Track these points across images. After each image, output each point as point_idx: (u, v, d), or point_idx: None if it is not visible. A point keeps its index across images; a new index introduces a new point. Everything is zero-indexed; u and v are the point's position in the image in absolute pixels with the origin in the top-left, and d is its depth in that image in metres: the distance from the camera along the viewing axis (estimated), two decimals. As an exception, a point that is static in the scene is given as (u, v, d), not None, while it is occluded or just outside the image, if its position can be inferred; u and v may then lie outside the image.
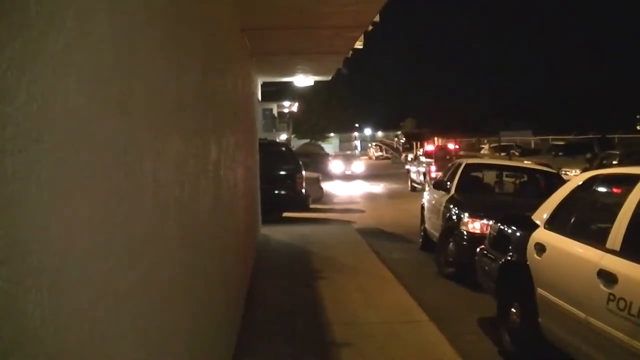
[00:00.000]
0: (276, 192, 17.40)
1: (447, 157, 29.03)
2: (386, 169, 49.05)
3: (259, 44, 11.27)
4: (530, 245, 6.44)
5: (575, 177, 7.22)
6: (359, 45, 12.24)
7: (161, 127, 2.86)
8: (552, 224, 6.44)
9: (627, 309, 4.54)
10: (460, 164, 13.23)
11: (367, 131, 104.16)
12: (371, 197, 27.90)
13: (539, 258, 6.24)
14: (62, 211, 1.63)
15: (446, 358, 6.52)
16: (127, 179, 2.22)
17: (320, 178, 23.73)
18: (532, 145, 46.38)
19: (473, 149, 48.21)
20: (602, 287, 4.90)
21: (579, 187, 6.56)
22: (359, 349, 6.77)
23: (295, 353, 6.68)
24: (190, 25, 3.88)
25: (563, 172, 20.02)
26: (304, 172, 18.42)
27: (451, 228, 11.03)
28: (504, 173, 14.27)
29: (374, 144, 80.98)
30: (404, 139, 61.56)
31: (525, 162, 20.19)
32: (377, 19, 9.86)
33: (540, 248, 6.25)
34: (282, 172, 17.89)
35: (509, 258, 7.00)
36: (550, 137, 47.70)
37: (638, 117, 58.75)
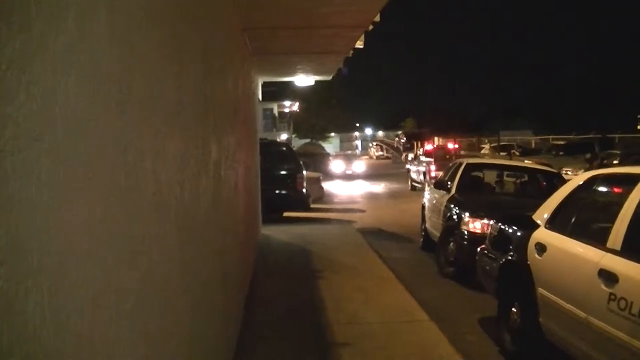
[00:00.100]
0: (277, 192, 17.39)
1: (447, 156, 29.05)
2: (387, 169, 49.05)
3: (260, 43, 11.27)
4: (531, 245, 6.44)
5: (575, 177, 7.22)
6: (359, 44, 12.23)
7: (161, 127, 2.86)
8: (553, 223, 6.44)
9: (628, 309, 4.54)
10: (461, 164, 13.23)
11: (368, 131, 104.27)
12: (372, 197, 27.90)
13: (539, 258, 6.24)
14: (62, 211, 1.63)
15: (447, 358, 6.52)
16: (127, 178, 2.22)
17: (321, 178, 23.73)
18: (533, 145, 46.37)
19: (473, 149, 48.19)
20: (602, 286, 4.90)
21: (579, 186, 6.56)
22: (359, 348, 6.77)
23: (296, 353, 6.69)
24: (190, 25, 3.88)
25: (564, 172, 20.00)
26: (304, 172, 18.41)
27: (452, 228, 11.03)
28: (505, 173, 14.28)
29: (374, 143, 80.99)
30: (405, 138, 61.60)
31: (526, 161, 20.17)
32: (377, 18, 9.85)
33: (541, 248, 6.25)
34: (283, 172, 17.89)
35: (510, 258, 7.00)
36: (550, 136, 47.71)
37: (638, 117, 58.69)
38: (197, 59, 4.14)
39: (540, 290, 6.10)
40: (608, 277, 4.86)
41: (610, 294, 4.78)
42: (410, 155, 36.63)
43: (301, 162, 18.81)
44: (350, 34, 10.93)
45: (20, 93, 1.39)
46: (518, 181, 14.00)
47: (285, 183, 17.79)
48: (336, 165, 42.34)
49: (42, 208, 1.50)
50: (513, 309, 6.76)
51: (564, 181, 10.21)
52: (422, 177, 28.38)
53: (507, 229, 7.52)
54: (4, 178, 1.31)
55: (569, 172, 22.16)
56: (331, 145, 69.80)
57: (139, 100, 2.42)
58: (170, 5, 3.20)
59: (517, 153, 36.28)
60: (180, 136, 3.35)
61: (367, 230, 16.33)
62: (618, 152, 26.20)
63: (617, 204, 5.35)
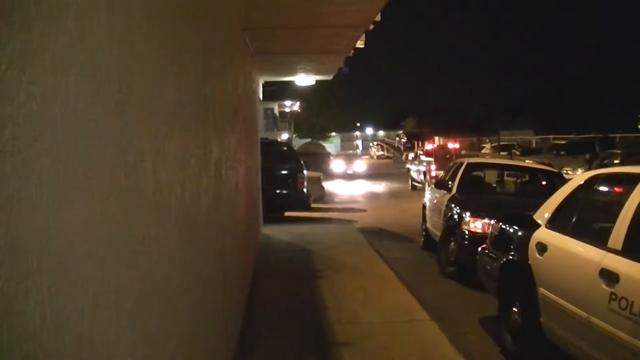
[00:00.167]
0: (278, 191, 17.39)
1: (447, 156, 29.12)
2: (387, 169, 49.03)
3: (260, 43, 11.26)
4: (532, 245, 6.44)
5: (576, 177, 7.22)
6: (360, 44, 12.22)
7: (161, 127, 2.86)
8: (554, 223, 6.44)
9: (629, 308, 4.53)
10: (461, 164, 13.23)
11: (369, 130, 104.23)
12: (372, 197, 27.89)
13: (540, 257, 6.24)
14: (62, 211, 1.63)
15: (447, 357, 6.52)
16: (127, 178, 2.22)
17: (321, 177, 23.74)
18: (534, 145, 46.35)
19: (473, 149, 48.20)
20: (603, 286, 4.90)
21: (580, 186, 6.56)
22: (360, 348, 6.76)
23: (296, 352, 6.68)
24: (190, 25, 3.88)
25: (564, 172, 20.00)
26: (305, 172, 18.40)
27: (453, 227, 11.03)
28: (506, 172, 14.28)
29: (375, 143, 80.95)
30: (406, 138, 61.61)
31: (527, 161, 20.16)
32: (378, 18, 9.85)
33: (542, 247, 6.25)
34: (284, 172, 17.88)
35: (511, 257, 7.00)
36: (551, 136, 47.69)
37: (639, 116, 58.63)
38: (197, 58, 4.14)
39: (541, 290, 6.10)
40: (609, 276, 4.86)
41: (611, 293, 4.77)
42: (411, 155, 36.64)
43: (302, 162, 18.80)
44: (351, 34, 10.93)
45: (20, 93, 1.39)
46: (519, 181, 13.99)
47: (286, 183, 17.78)
48: (337, 165, 42.37)
49: (42, 208, 1.50)
50: (514, 309, 6.76)
51: (564, 181, 10.21)
52: (422, 176, 28.42)
53: (508, 228, 7.51)
54: (4, 178, 1.31)
55: (569, 172, 22.16)
56: (332, 144, 69.85)
57: (139, 100, 2.42)
58: (170, 5, 3.20)
59: (518, 153, 36.28)
60: (181, 136, 3.35)
61: (368, 229, 16.33)
62: (619, 151, 26.19)
63: (618, 203, 5.35)
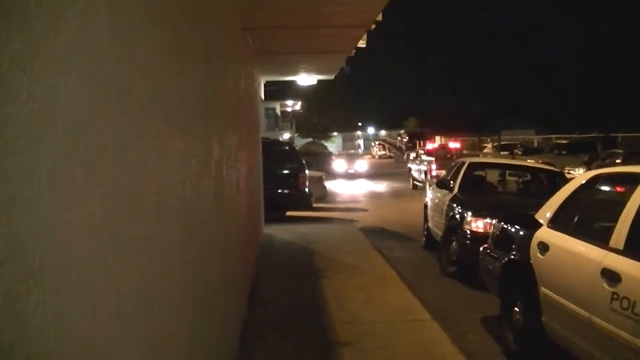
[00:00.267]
0: (279, 191, 17.39)
1: (448, 155, 29.14)
2: (389, 168, 49.02)
3: (262, 43, 11.26)
4: (534, 244, 6.43)
5: (578, 176, 7.22)
6: (362, 44, 12.23)
7: (162, 127, 2.86)
8: (556, 223, 6.43)
9: (631, 308, 4.53)
10: (463, 163, 13.23)
11: (371, 130, 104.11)
12: (374, 196, 27.89)
13: (542, 257, 6.23)
14: (63, 211, 1.63)
15: (449, 357, 6.51)
16: (128, 178, 2.22)
17: (323, 177, 23.72)
18: (535, 144, 46.32)
19: (474, 148, 48.17)
20: (605, 286, 4.89)
21: (582, 186, 6.55)
22: (361, 347, 6.76)
23: (298, 352, 6.68)
24: (191, 25, 3.88)
25: (566, 171, 19.98)
26: (307, 171, 18.40)
27: (454, 227, 11.03)
28: (507, 172, 14.27)
29: (377, 142, 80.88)
30: (407, 137, 61.56)
31: (529, 161, 20.16)
32: (380, 17, 9.85)
33: (544, 247, 6.24)
34: (285, 171, 17.87)
35: (512, 257, 6.99)
36: (553, 135, 47.66)
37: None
38: (197, 58, 4.14)
39: (543, 289, 6.09)
40: (611, 276, 4.86)
41: (613, 293, 4.77)
42: (412, 155, 36.67)
43: (304, 162, 18.80)
44: (352, 34, 10.93)
45: (22, 93, 1.39)
46: (520, 180, 13.99)
47: (287, 182, 17.78)
48: (339, 165, 42.39)
49: (43, 208, 1.50)
50: (516, 309, 6.75)
51: (566, 180, 10.20)
52: (423, 176, 28.44)
53: (509, 228, 7.51)
54: (5, 178, 1.31)
55: (571, 172, 22.14)
56: (334, 144, 69.84)
57: (139, 100, 2.42)
58: (171, 5, 3.20)
59: (520, 152, 36.28)
60: (181, 136, 3.35)
61: (370, 229, 16.33)
62: (621, 151, 26.16)
63: (619, 203, 5.34)
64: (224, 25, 6.14)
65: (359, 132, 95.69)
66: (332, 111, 66.79)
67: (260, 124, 16.70)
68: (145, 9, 2.57)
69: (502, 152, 36.33)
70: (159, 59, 2.80)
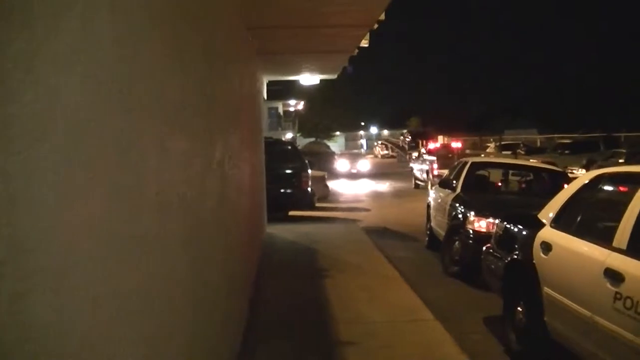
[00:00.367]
0: (282, 190, 17.38)
1: (449, 155, 29.15)
2: (392, 168, 48.98)
3: (265, 42, 11.26)
4: (537, 244, 6.42)
5: (581, 176, 7.21)
6: (364, 43, 12.22)
7: (165, 126, 2.86)
8: (558, 222, 6.42)
9: (634, 308, 4.52)
10: (466, 163, 13.23)
11: (373, 130, 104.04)
12: (377, 196, 27.87)
13: (545, 257, 6.22)
14: (65, 210, 1.63)
15: (451, 357, 6.51)
16: (129, 178, 2.22)
17: (326, 177, 23.71)
18: (538, 144, 46.27)
19: (476, 148, 48.12)
20: (608, 285, 4.88)
21: (585, 185, 6.54)
22: (363, 347, 6.76)
23: (300, 351, 6.68)
24: (193, 24, 3.87)
25: (569, 171, 19.95)
26: (309, 171, 18.39)
27: (457, 227, 11.02)
28: (510, 172, 14.26)
29: (379, 142, 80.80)
30: (410, 137, 61.50)
31: (531, 160, 20.15)
32: (382, 17, 9.84)
33: (546, 247, 6.23)
34: (288, 171, 17.87)
35: (515, 257, 6.99)
36: (555, 135, 47.60)
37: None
38: (200, 58, 4.14)
39: (546, 289, 6.08)
40: (614, 276, 4.85)
41: (616, 293, 4.76)
42: (415, 154, 36.68)
43: (306, 161, 18.80)
44: (355, 33, 10.92)
45: (25, 93, 1.39)
46: (523, 180, 13.98)
47: (290, 182, 17.77)
48: (341, 164, 42.36)
49: (44, 208, 1.50)
50: (518, 308, 6.74)
51: (569, 180, 10.19)
52: (425, 175, 28.45)
53: (512, 228, 7.50)
54: (6, 178, 1.31)
55: (574, 171, 22.11)
56: (336, 144, 69.78)
57: (141, 100, 2.42)
58: (172, 5, 3.19)
59: (522, 152, 36.26)
60: (183, 136, 3.35)
61: (372, 229, 16.32)
62: (624, 150, 26.13)
63: (622, 203, 5.33)
64: (226, 25, 6.14)
65: (361, 132, 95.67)
66: (334, 111, 66.76)
67: (263, 124, 16.70)
68: (145, 8, 2.56)
69: (504, 152, 36.30)
70: (159, 59, 2.80)
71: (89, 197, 1.81)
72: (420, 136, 55.20)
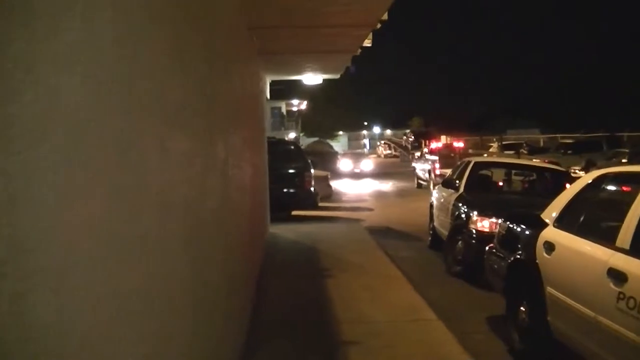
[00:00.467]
0: (285, 190, 17.39)
1: (452, 154, 29.19)
2: (395, 167, 48.98)
3: (267, 42, 11.25)
4: (540, 244, 6.42)
5: (584, 176, 7.20)
6: (367, 43, 12.21)
7: (165, 126, 2.85)
8: (562, 222, 6.42)
9: (637, 308, 4.51)
10: (469, 162, 13.23)
11: (376, 129, 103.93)
12: (380, 195, 27.88)
13: (548, 256, 6.22)
14: (66, 210, 1.63)
15: (454, 356, 6.51)
16: (131, 178, 2.22)
17: (329, 176, 23.72)
18: (541, 144, 46.22)
19: (477, 147, 48.07)
20: (611, 285, 4.87)
21: (588, 185, 6.53)
22: (366, 347, 6.76)
23: (302, 351, 6.68)
24: (195, 24, 3.87)
25: (572, 171, 19.93)
26: (312, 171, 18.41)
27: (460, 226, 11.02)
28: (513, 171, 14.26)
29: (382, 142, 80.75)
30: (413, 137, 61.48)
31: (534, 160, 20.14)
32: (385, 17, 9.83)
33: (550, 246, 6.22)
34: (291, 171, 17.88)
35: (518, 256, 6.98)
36: (558, 135, 47.55)
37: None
38: (200, 58, 4.14)
39: (549, 289, 6.08)
40: (617, 276, 4.84)
41: (619, 293, 4.75)
42: (417, 154, 36.71)
43: (309, 161, 18.80)
44: (357, 33, 10.91)
45: (25, 93, 1.39)
46: (526, 180, 13.97)
47: (293, 182, 17.78)
48: (344, 164, 42.37)
49: (45, 207, 1.50)
50: (521, 308, 6.74)
51: (572, 180, 10.18)
52: (427, 175, 28.48)
53: (515, 227, 7.49)
54: (9, 177, 1.31)
55: (577, 171, 22.09)
56: (339, 143, 69.84)
57: (142, 99, 2.41)
58: (173, 4, 3.19)
59: (525, 152, 36.23)
60: (185, 135, 3.35)
61: (375, 228, 16.32)
62: (626, 150, 26.10)
63: (625, 202, 5.32)
64: (227, 25, 6.14)
65: (364, 132, 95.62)
66: (337, 110, 66.82)
67: (266, 123, 16.70)
68: (146, 8, 2.56)
69: (506, 152, 36.27)
70: (160, 59, 2.80)
71: (89, 197, 1.81)
72: (423, 136, 55.14)
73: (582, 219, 6.23)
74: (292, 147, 19.72)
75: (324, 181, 21.89)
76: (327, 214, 19.76)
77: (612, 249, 5.11)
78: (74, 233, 1.68)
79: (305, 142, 52.63)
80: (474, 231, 10.40)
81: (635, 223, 4.95)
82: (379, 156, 71.08)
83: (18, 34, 1.37)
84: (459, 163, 14.69)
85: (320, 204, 19.66)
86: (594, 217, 6.29)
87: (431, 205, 14.44)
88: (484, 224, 10.32)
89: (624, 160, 22.69)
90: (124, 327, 2.11)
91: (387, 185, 33.30)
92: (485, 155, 32.46)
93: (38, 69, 1.47)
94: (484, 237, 9.59)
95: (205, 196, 4.09)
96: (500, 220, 8.42)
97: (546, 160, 19.85)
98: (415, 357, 6.51)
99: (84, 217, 1.76)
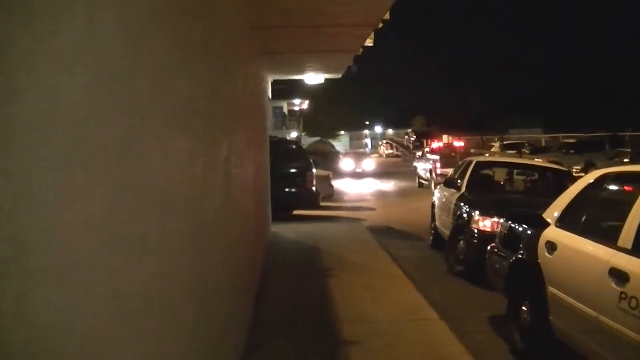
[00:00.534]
0: (287, 190, 17.38)
1: (453, 154, 29.23)
2: (397, 167, 48.95)
3: (269, 42, 11.26)
4: (542, 244, 6.41)
5: (586, 176, 7.19)
6: (369, 43, 12.22)
7: (169, 126, 2.86)
8: (563, 222, 6.41)
9: (639, 308, 4.51)
10: (471, 162, 13.22)
11: (378, 129, 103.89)
12: (382, 195, 27.88)
13: (550, 256, 6.21)
14: (68, 210, 1.63)
15: (456, 356, 6.50)
16: (132, 178, 2.22)
17: (331, 176, 23.72)
18: (543, 144, 46.20)
19: (479, 147, 48.07)
20: (613, 285, 4.87)
21: (590, 185, 6.53)
22: (367, 347, 6.75)
23: (304, 351, 6.68)
24: (196, 24, 3.87)
25: (574, 170, 19.91)
26: (314, 170, 18.40)
27: (462, 226, 11.01)
28: (515, 171, 14.25)
29: (384, 141, 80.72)
30: (415, 137, 61.47)
31: (536, 160, 20.13)
32: (387, 17, 9.83)
33: (552, 246, 6.22)
34: (293, 170, 17.87)
35: (520, 256, 6.97)
36: (560, 135, 47.53)
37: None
38: (202, 57, 4.14)
39: (551, 289, 6.07)
40: (619, 276, 4.84)
41: (621, 293, 4.75)
42: (419, 153, 36.74)
43: (311, 161, 18.80)
44: (360, 33, 10.92)
45: (26, 93, 1.39)
46: (528, 179, 13.96)
47: (295, 181, 17.77)
48: (346, 164, 42.37)
49: (46, 207, 1.50)
50: (523, 308, 6.73)
51: (574, 180, 10.17)
52: (429, 174, 28.50)
53: (517, 227, 7.49)
54: (11, 177, 1.31)
55: (577, 171, 22.07)
56: (341, 143, 69.84)
57: (143, 99, 2.41)
58: (175, 4, 3.19)
59: (527, 151, 36.22)
60: (187, 135, 3.35)
61: (377, 228, 16.31)
62: (629, 150, 26.08)
63: (628, 202, 5.32)
64: (230, 24, 6.14)
65: (366, 131, 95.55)
66: (339, 110, 66.77)
67: (268, 123, 16.70)
68: (148, 8, 2.56)
69: (508, 152, 36.27)
70: (162, 59, 2.80)
71: (90, 197, 1.81)
72: (425, 136, 55.18)
73: (584, 218, 6.22)
74: (294, 147, 19.73)
75: (325, 181, 21.89)
76: (329, 214, 19.76)
77: (614, 249, 5.10)
78: (74, 233, 1.68)
79: (307, 141, 52.64)
80: (476, 231, 10.40)
81: (637, 223, 4.95)
82: (380, 156, 71.07)
83: (19, 34, 1.37)
84: (460, 163, 14.67)
85: (322, 204, 19.65)
86: (596, 217, 6.28)
87: (433, 205, 14.42)
88: (486, 224, 10.31)
89: (626, 160, 22.65)
90: (124, 327, 2.11)
91: (389, 185, 33.30)
92: (487, 155, 32.46)
93: (39, 69, 1.47)
94: (486, 237, 9.58)
95: (207, 196, 4.09)
96: (502, 220, 8.42)
97: (548, 160, 19.81)
98: (417, 357, 6.50)
99: (85, 217, 1.76)
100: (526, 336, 6.65)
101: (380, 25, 10.44)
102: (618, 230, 5.18)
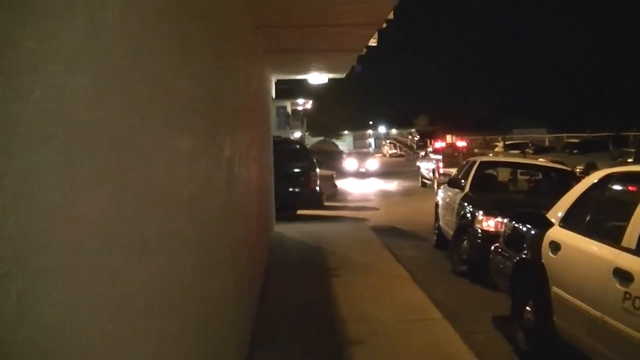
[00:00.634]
0: (290, 189, 17.38)
1: (455, 154, 29.26)
2: (400, 167, 48.96)
3: (273, 41, 11.26)
4: (545, 244, 6.40)
5: (590, 175, 7.18)
6: (373, 42, 12.21)
7: (173, 126, 2.86)
8: (567, 222, 6.40)
9: (643, 308, 4.51)
10: (474, 162, 13.22)
11: (382, 129, 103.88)
12: (385, 195, 27.88)
13: (553, 256, 6.21)
14: (73, 209, 1.63)
15: (460, 356, 6.50)
16: (135, 178, 2.21)
17: (334, 176, 23.72)
18: (547, 143, 46.14)
19: (482, 147, 48.04)
20: (617, 285, 4.86)
21: (593, 185, 6.52)
22: (371, 346, 6.76)
23: (307, 350, 6.68)
24: (200, 23, 3.87)
25: (578, 170, 19.88)
26: (318, 170, 18.40)
27: (465, 226, 11.01)
28: (519, 171, 14.23)
29: (388, 141, 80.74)
30: (418, 136, 61.50)
31: (540, 160, 20.10)
32: (391, 16, 9.83)
33: (555, 246, 6.21)
34: (296, 170, 17.88)
35: (524, 256, 6.97)
36: (564, 135, 47.47)
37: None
38: (206, 56, 4.14)
39: (555, 289, 6.07)
40: (623, 276, 4.83)
41: (625, 292, 4.74)
42: (422, 153, 36.78)
43: (314, 160, 18.80)
44: (363, 32, 10.92)
45: (29, 92, 1.39)
46: (532, 179, 13.95)
47: (298, 181, 17.78)
48: (349, 163, 42.35)
49: (50, 207, 1.50)
50: (527, 308, 6.73)
51: (578, 179, 10.16)
52: (431, 174, 28.52)
53: (521, 227, 7.48)
54: (15, 176, 1.31)
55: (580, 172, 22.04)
56: (344, 143, 69.87)
57: (146, 98, 2.41)
58: (179, 3, 3.19)
59: (531, 151, 36.17)
60: (189, 135, 3.34)
61: (380, 228, 16.30)
62: (632, 150, 26.03)
63: (631, 202, 5.31)
64: (233, 23, 6.14)
65: (369, 131, 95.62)
66: (343, 110, 66.87)
67: (272, 123, 16.70)
68: (151, 7, 2.56)
69: (512, 151, 36.23)
70: (165, 58, 2.79)
71: (92, 197, 1.80)
72: (428, 135, 55.23)
73: (587, 218, 6.21)
74: (298, 147, 19.73)
75: (329, 180, 21.90)
76: (332, 214, 19.76)
77: (618, 248, 5.10)
78: (75, 233, 1.67)
79: (311, 141, 52.67)
80: (479, 230, 10.39)
81: (641, 223, 4.94)
82: (384, 155, 71.09)
83: (20, 34, 1.37)
84: (464, 163, 14.67)
85: (325, 204, 19.66)
86: (599, 217, 6.27)
87: (436, 205, 14.42)
88: (490, 224, 10.31)
89: (629, 160, 22.61)
90: (124, 327, 2.11)
91: (392, 185, 33.30)
92: (491, 154, 32.45)
93: (39, 69, 1.46)
94: (490, 237, 9.58)
95: (210, 196, 4.09)
96: (505, 220, 8.41)
97: (552, 160, 19.78)
98: (420, 357, 6.50)
99: (85, 217, 1.75)
100: (530, 336, 6.64)
101: (384, 25, 10.43)
102: (622, 230, 5.17)
